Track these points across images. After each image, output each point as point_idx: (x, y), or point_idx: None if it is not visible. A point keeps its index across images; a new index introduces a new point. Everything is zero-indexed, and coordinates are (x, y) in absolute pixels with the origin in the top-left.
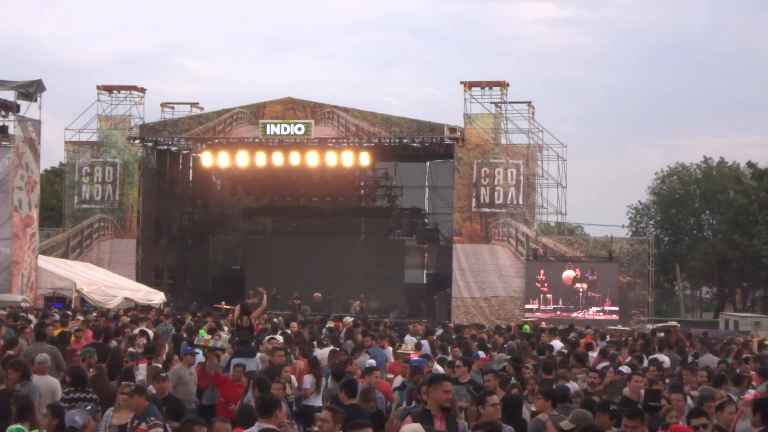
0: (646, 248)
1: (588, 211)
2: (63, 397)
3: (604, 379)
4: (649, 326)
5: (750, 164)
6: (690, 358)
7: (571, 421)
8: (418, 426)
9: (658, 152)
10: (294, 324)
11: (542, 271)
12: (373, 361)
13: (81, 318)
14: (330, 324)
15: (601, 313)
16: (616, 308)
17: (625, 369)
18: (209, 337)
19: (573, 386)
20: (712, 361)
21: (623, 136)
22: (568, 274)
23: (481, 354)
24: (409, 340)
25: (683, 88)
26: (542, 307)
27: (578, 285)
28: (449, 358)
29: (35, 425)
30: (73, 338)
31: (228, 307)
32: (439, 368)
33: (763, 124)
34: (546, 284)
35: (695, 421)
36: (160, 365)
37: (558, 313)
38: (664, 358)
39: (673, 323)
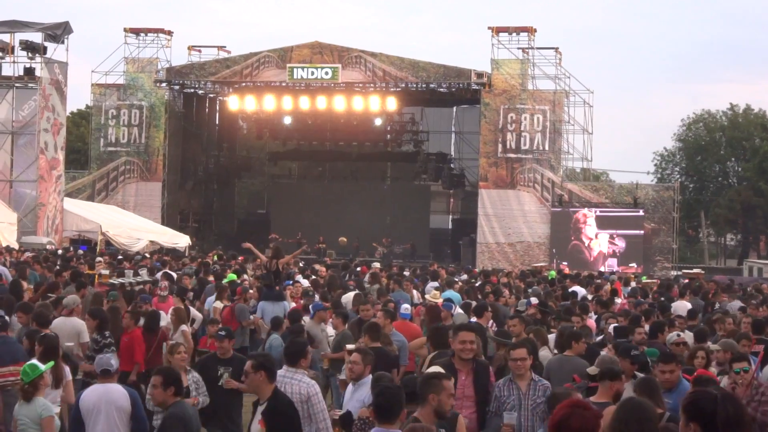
0: (671, 195)
1: (614, 158)
2: (93, 337)
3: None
4: (673, 273)
5: None
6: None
7: (597, 365)
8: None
9: (683, 99)
10: (322, 268)
11: (570, 225)
12: (407, 308)
13: (101, 259)
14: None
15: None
16: (641, 267)
17: None
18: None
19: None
20: (733, 308)
21: (649, 83)
22: (596, 241)
23: (533, 300)
24: (432, 285)
25: (709, 35)
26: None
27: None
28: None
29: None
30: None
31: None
32: (461, 313)
33: None
34: (572, 236)
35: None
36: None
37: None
38: (686, 305)
39: (698, 270)
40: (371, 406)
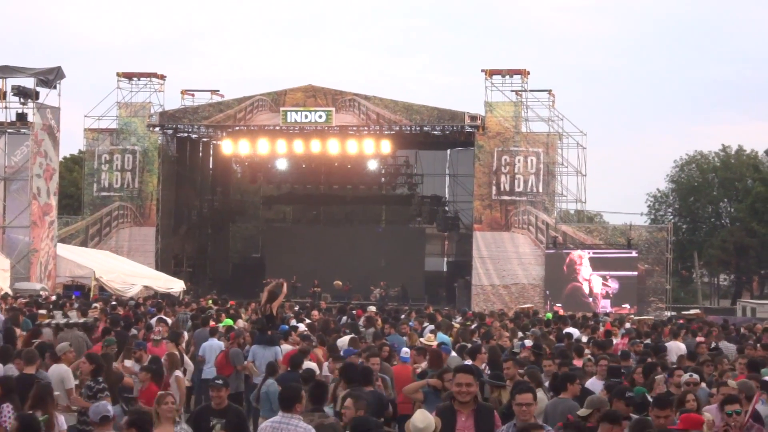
0: (664, 236)
1: (607, 199)
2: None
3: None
4: (667, 313)
5: None
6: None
7: (587, 407)
8: (426, 416)
9: (676, 140)
10: (315, 312)
11: (564, 267)
12: (407, 351)
13: (98, 306)
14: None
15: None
16: (634, 308)
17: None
18: None
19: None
20: (727, 348)
21: (642, 124)
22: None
23: (527, 342)
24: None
25: (702, 75)
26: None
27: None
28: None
29: (48, 413)
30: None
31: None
32: (455, 356)
33: None
34: (571, 277)
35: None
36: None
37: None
38: (680, 345)
39: (696, 311)
40: None
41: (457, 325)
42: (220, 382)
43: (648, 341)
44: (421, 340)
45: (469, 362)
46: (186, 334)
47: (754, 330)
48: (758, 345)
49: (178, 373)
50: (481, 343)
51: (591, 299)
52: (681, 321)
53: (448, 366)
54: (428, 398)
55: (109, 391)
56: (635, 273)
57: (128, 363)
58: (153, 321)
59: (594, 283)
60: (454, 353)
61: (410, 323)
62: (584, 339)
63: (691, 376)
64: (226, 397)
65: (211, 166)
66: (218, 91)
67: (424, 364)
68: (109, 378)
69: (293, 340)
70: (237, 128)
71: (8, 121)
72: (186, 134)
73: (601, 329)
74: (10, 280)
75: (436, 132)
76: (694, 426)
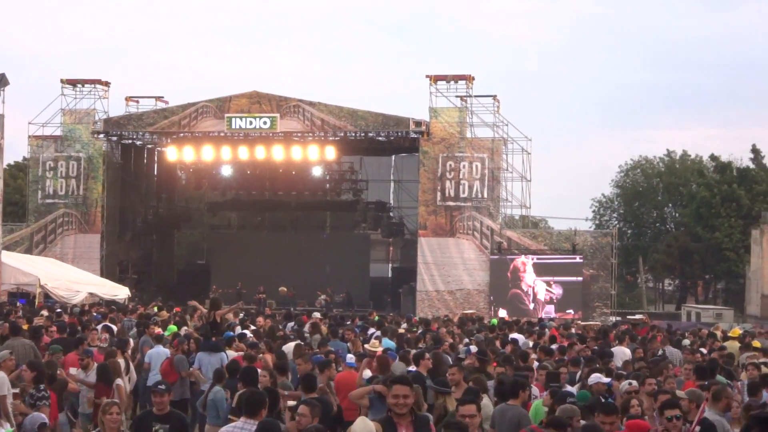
0: (609, 241)
1: (552, 205)
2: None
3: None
4: (612, 318)
5: (713, 157)
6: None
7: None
8: (367, 423)
9: (621, 145)
10: (260, 318)
11: (509, 273)
12: (352, 357)
13: (45, 313)
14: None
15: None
16: (579, 313)
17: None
18: None
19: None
20: (672, 354)
21: (587, 129)
22: (534, 289)
23: (473, 348)
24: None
25: (646, 80)
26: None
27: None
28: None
29: None
30: None
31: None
32: (400, 364)
33: (725, 117)
34: (511, 284)
35: (669, 412)
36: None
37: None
38: (625, 350)
39: (641, 316)
40: None
41: (402, 331)
42: (162, 387)
43: (596, 347)
44: (366, 346)
45: (413, 368)
46: (132, 341)
47: (700, 335)
48: (700, 350)
49: (119, 381)
50: (431, 349)
51: (532, 305)
52: (626, 326)
53: (393, 372)
54: (374, 404)
55: (55, 398)
56: (580, 278)
57: (74, 371)
58: (99, 328)
59: (538, 288)
60: (399, 361)
61: (356, 329)
62: (530, 344)
63: (630, 384)
64: (168, 402)
65: (155, 173)
66: (162, 97)
67: (367, 372)
68: (55, 385)
69: (237, 347)
70: (181, 135)
71: None
72: (130, 141)
73: (547, 334)
74: None
75: (380, 138)
76: None
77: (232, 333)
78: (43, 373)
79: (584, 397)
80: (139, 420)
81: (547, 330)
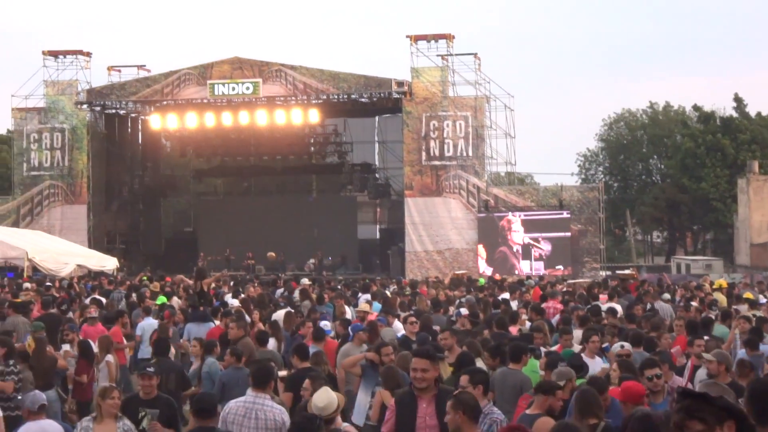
0: (596, 195)
1: (538, 160)
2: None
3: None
4: (602, 273)
5: (696, 107)
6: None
7: (557, 379)
8: (329, 394)
9: (604, 98)
10: (250, 287)
11: (497, 230)
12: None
13: (28, 286)
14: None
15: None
16: (569, 269)
17: None
18: None
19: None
20: (663, 309)
21: (569, 83)
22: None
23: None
24: (363, 298)
25: (627, 32)
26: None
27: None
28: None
29: None
30: None
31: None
32: (400, 327)
33: (707, 66)
34: (499, 239)
35: (649, 372)
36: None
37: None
38: (616, 307)
39: (630, 271)
40: None
41: (389, 294)
42: (151, 369)
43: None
44: (357, 309)
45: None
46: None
47: (689, 287)
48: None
49: (110, 357)
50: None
51: (518, 262)
52: (615, 282)
53: (383, 339)
54: (366, 372)
55: (45, 375)
56: (568, 234)
57: (65, 347)
58: (87, 301)
59: (526, 245)
60: (398, 323)
61: (347, 294)
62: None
63: (622, 347)
64: (156, 386)
65: (140, 142)
66: (145, 66)
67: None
68: (43, 362)
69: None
70: (165, 103)
71: None
72: (114, 110)
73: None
74: None
75: (363, 99)
76: (634, 398)
77: (219, 302)
78: (13, 349)
79: (568, 354)
80: (123, 405)
81: (530, 290)
